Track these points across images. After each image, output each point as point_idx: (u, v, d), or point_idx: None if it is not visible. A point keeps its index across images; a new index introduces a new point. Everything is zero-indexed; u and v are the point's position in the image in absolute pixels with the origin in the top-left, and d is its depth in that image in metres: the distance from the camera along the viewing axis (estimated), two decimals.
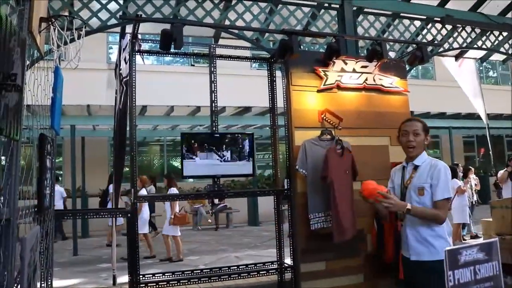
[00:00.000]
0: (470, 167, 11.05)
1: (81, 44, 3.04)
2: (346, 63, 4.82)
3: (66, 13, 4.76)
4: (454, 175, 8.97)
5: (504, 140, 21.79)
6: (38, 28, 2.68)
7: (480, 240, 2.22)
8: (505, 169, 8.73)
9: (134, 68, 4.58)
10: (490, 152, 9.26)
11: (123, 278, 5.70)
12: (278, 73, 5.35)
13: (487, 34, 6.82)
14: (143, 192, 8.54)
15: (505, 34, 6.89)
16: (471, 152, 21.44)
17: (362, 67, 4.89)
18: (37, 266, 2.83)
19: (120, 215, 6.03)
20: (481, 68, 19.43)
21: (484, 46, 6.86)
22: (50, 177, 3.24)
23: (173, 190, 8.31)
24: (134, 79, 4.54)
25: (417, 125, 3.04)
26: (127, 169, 7.81)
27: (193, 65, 15.11)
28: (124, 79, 6.03)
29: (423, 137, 3.03)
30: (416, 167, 3.00)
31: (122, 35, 6.22)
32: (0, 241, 2.14)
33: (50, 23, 2.78)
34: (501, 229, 5.48)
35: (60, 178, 12.03)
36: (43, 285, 3.46)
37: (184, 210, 8.44)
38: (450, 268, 1.37)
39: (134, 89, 4.53)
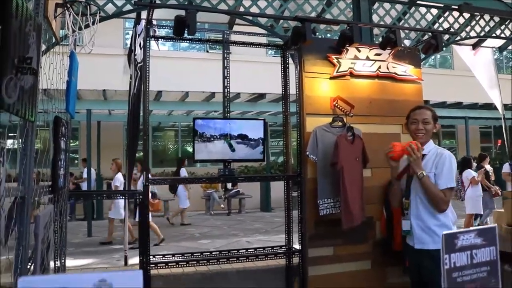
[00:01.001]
0: (485, 153, 10.91)
1: (95, 29, 3.10)
2: (359, 51, 4.80)
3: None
4: (468, 165, 8.91)
5: None
6: (54, 13, 2.74)
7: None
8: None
9: (148, 54, 4.62)
10: (505, 143, 9.14)
11: (135, 260, 5.84)
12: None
13: (506, 23, 6.70)
14: (119, 176, 8.45)
15: None
16: (488, 143, 21.19)
17: (376, 54, 4.87)
18: (51, 244, 2.93)
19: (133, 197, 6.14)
20: (501, 57, 19.10)
21: (502, 35, 6.75)
22: (64, 159, 3.32)
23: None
24: (148, 64, 4.58)
25: (426, 113, 3.07)
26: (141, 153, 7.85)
27: (208, 52, 15.15)
28: (139, 65, 6.10)
29: (432, 125, 3.05)
30: (423, 156, 2.98)
31: (138, 20, 6.28)
32: (15, 218, 2.23)
33: (65, 8, 2.84)
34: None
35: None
36: (56, 263, 3.58)
37: (153, 198, 8.43)
38: (446, 252, 1.40)
39: (148, 74, 4.57)
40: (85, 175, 12.20)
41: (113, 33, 12.85)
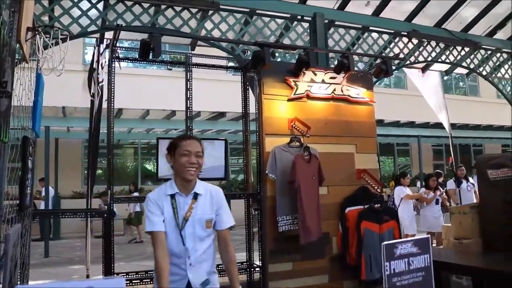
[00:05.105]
0: (440, 171, 11.44)
1: (65, 52, 3.21)
2: (315, 74, 5.08)
3: (46, 18, 4.90)
4: (399, 182, 9.01)
5: (471, 149, 22.59)
6: (25, 36, 2.84)
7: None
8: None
9: (113, 75, 4.71)
10: (453, 162, 9.68)
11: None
12: None
13: (451, 49, 7.21)
14: None
15: (467, 49, 7.31)
16: (440, 160, 22.13)
17: (331, 78, 5.16)
18: (18, 263, 2.98)
19: (96, 216, 6.14)
20: (450, 78, 20.13)
21: (447, 60, 7.25)
22: (30, 178, 3.38)
23: None
24: (113, 85, 4.68)
25: (199, 146, 2.62)
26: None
27: (170, 69, 15.24)
28: (101, 84, 6.16)
29: (203, 160, 2.64)
30: (196, 196, 2.60)
31: (101, 40, 6.35)
32: None
33: (36, 32, 2.94)
34: (459, 233, 5.81)
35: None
36: (19, 283, 3.58)
37: None
38: (387, 260, 1.61)
39: (113, 95, 4.67)
40: (43, 194, 11.98)
41: (72, 49, 12.73)
